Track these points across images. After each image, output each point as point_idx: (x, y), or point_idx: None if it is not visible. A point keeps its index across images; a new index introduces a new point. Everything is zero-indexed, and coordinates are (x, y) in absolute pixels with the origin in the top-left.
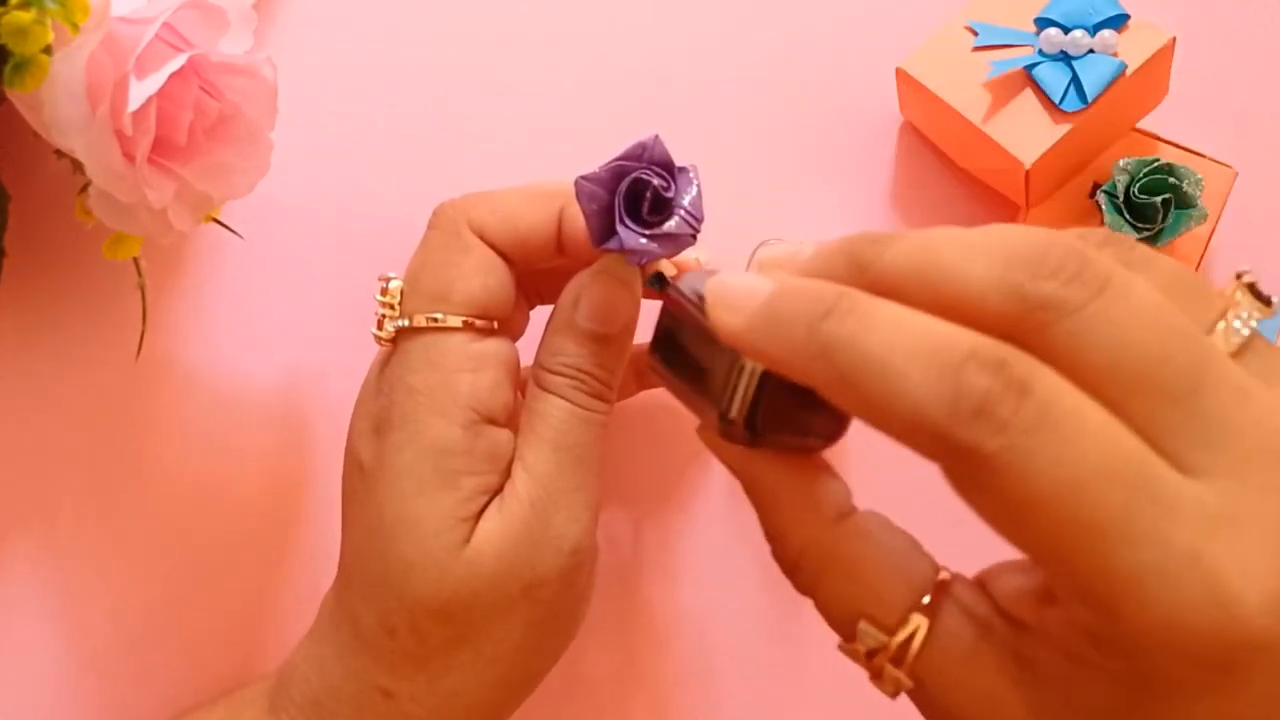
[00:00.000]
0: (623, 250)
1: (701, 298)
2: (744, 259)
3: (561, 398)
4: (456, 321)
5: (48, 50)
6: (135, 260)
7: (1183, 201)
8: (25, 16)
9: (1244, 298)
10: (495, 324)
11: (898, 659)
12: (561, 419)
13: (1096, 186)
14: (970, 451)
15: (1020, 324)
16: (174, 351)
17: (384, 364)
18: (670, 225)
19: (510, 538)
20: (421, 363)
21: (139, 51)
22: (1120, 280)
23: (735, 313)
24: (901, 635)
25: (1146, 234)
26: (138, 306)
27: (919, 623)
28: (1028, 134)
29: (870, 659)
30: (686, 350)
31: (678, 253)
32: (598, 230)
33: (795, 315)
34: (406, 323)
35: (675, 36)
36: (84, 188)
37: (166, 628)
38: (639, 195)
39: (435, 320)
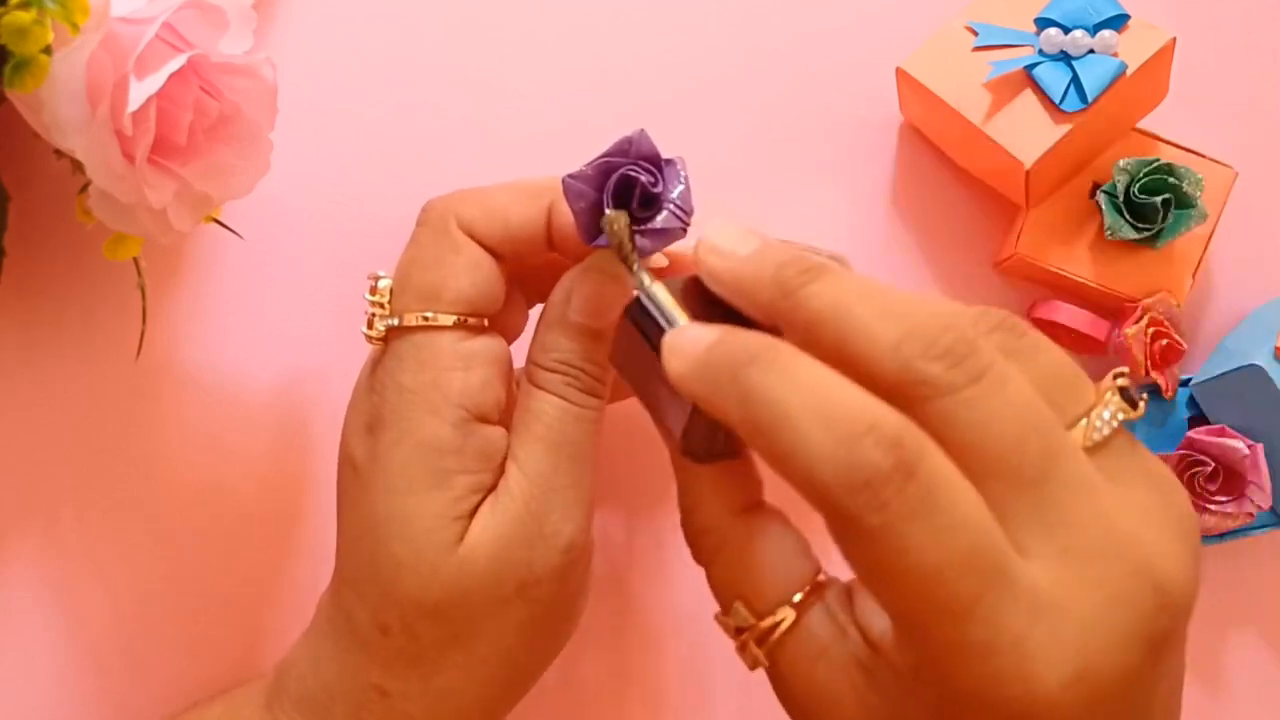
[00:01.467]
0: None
1: (660, 331)
2: None
3: (554, 394)
4: (447, 320)
5: (48, 50)
6: (135, 260)
7: (1183, 201)
8: (25, 16)
9: (1113, 398)
10: (485, 321)
11: (760, 640)
12: (555, 415)
13: (1096, 186)
14: (853, 519)
15: (905, 393)
16: (174, 351)
17: (376, 363)
18: (659, 220)
19: (504, 536)
20: (412, 361)
21: (139, 51)
22: (997, 372)
23: (681, 359)
24: (768, 623)
25: (1147, 234)
26: (138, 306)
27: (786, 615)
28: (1028, 134)
29: (738, 634)
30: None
31: (667, 246)
32: (587, 228)
33: (724, 361)
34: (397, 321)
35: (674, 36)
36: (84, 188)
37: (166, 627)
38: (627, 190)
39: (426, 319)
